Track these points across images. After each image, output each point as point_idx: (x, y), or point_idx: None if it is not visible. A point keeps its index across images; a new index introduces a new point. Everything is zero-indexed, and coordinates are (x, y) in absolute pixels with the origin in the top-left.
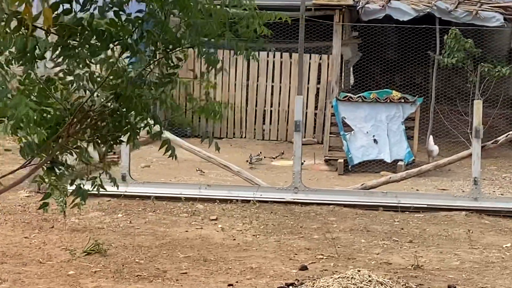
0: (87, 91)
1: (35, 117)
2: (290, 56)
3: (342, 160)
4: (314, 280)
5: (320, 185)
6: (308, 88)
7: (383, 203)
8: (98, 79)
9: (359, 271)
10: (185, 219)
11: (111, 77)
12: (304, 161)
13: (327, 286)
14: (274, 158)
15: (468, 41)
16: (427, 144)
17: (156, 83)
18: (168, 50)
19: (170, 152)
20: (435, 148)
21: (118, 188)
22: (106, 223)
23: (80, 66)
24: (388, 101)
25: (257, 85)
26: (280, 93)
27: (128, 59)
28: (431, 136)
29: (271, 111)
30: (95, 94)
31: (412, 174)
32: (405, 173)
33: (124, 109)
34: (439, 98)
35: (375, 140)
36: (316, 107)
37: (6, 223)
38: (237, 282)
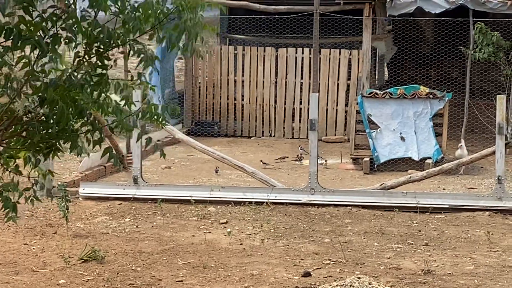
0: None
1: None
2: (319, 52)
3: (367, 159)
4: None
5: (343, 185)
6: (338, 84)
7: (403, 204)
8: (14, 82)
9: (359, 278)
10: (194, 223)
11: (32, 80)
12: (325, 160)
13: None
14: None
15: (494, 34)
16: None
17: (83, 85)
18: (101, 49)
19: (113, 160)
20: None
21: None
22: (111, 228)
23: None
24: (416, 97)
25: (285, 82)
26: (309, 90)
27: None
28: (463, 141)
29: (300, 108)
30: (17, 98)
31: (433, 174)
32: (426, 172)
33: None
34: (475, 92)
35: (402, 138)
36: (346, 104)
37: (9, 228)
38: None
